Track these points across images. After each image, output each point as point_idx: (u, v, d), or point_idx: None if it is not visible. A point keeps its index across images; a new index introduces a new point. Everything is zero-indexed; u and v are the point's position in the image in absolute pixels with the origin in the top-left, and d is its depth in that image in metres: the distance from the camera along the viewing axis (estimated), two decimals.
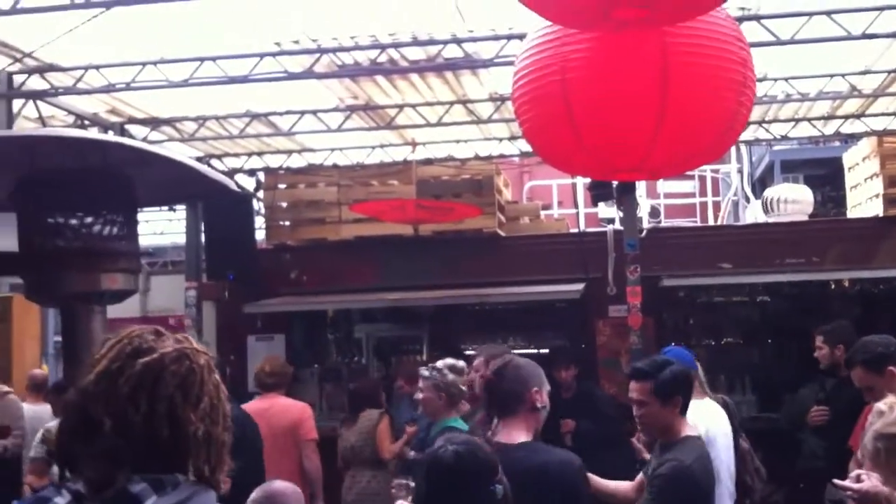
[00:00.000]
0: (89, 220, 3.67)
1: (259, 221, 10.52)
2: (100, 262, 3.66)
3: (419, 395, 4.75)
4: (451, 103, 8.54)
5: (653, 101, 3.53)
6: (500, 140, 9.91)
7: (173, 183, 4.17)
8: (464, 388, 4.69)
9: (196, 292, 9.72)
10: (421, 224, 8.77)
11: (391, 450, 6.58)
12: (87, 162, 3.58)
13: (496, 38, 6.94)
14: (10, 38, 6.62)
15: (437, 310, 10.41)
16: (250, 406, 5.99)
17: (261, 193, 10.38)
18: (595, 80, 3.57)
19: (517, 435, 3.31)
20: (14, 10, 5.62)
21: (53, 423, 6.44)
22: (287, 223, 10.20)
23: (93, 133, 4.79)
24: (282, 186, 10.24)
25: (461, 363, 4.85)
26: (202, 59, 7.01)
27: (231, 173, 10.39)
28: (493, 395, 3.50)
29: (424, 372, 4.73)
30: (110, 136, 3.97)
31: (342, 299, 9.83)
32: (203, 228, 9.75)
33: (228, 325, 10.00)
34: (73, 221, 3.65)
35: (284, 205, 10.24)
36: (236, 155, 10.06)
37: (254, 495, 3.56)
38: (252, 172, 10.45)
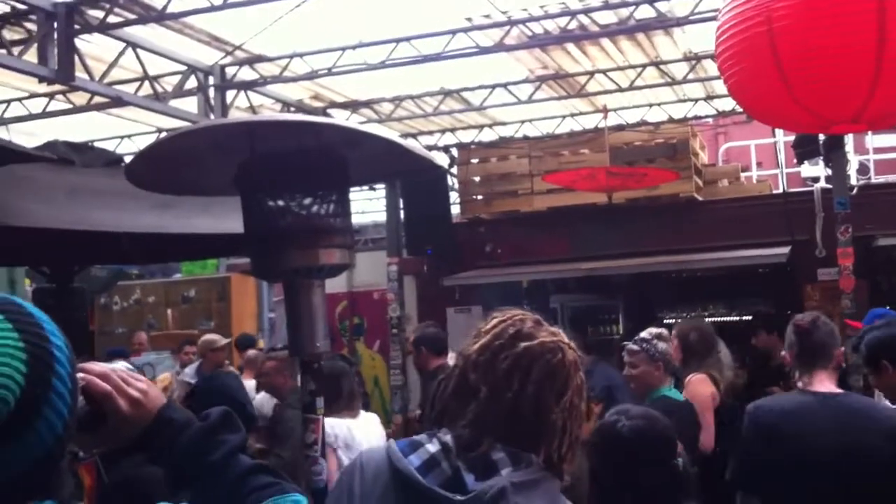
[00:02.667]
0: (307, 199, 3.85)
1: (454, 196, 10.73)
2: (318, 238, 3.82)
3: (632, 372, 4.63)
4: (644, 66, 8.34)
5: (869, 47, 3.31)
6: (696, 101, 9.59)
7: (380, 161, 4.32)
8: (672, 354, 4.60)
9: (397, 267, 10.09)
10: (614, 192, 8.66)
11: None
12: (303, 144, 3.77)
13: None
14: (221, 33, 7.06)
15: (633, 279, 10.27)
16: None
17: (455, 169, 10.59)
18: (804, 28, 3.38)
19: (831, 386, 3.34)
20: (225, 5, 5.99)
21: (260, 397, 6.90)
22: (480, 197, 10.37)
23: (306, 116, 5.05)
24: (474, 161, 10.41)
25: (664, 330, 4.74)
26: (397, 41, 7.21)
27: (426, 150, 10.65)
28: (805, 346, 3.48)
29: (633, 346, 4.60)
30: (323, 118, 4.17)
31: (536, 270, 9.89)
32: (402, 206, 10.08)
33: (428, 298, 10.33)
34: (293, 202, 3.84)
35: (478, 179, 10.41)
36: (430, 132, 10.29)
37: None
38: (446, 149, 10.66)
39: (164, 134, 9.41)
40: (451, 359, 6.87)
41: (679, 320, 9.35)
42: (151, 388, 1.56)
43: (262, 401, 7.17)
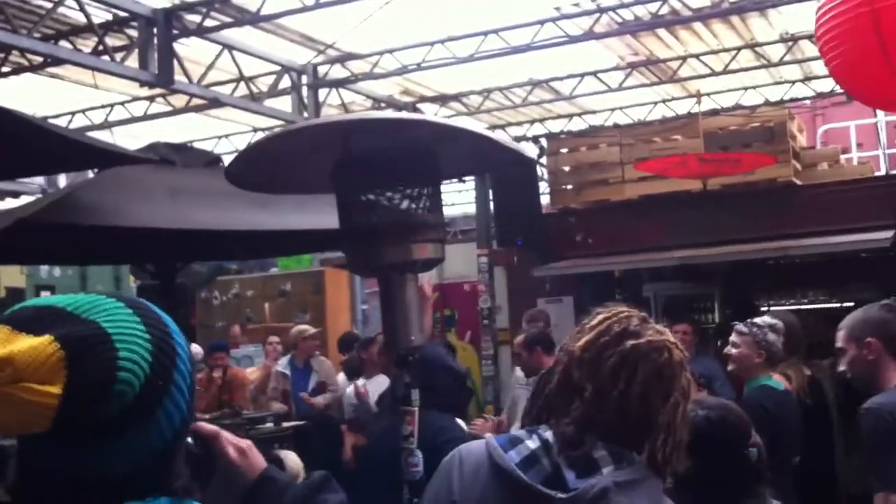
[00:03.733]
0: (400, 195, 3.89)
1: (543, 187, 10.69)
2: (411, 234, 3.86)
3: (732, 351, 4.55)
4: (738, 49, 8.15)
5: None
6: (793, 83, 9.32)
7: (471, 155, 4.34)
8: (780, 349, 4.47)
9: (488, 258, 10.10)
10: (709, 178, 8.48)
11: None
12: (396, 141, 3.82)
13: None
14: (313, 32, 7.19)
15: (730, 266, 10.03)
16: None
17: (544, 159, 10.53)
18: None
19: None
20: (317, 6, 6.10)
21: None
22: (570, 186, 10.29)
23: (399, 114, 5.12)
24: (564, 151, 10.32)
25: (781, 324, 4.60)
26: (486, 33, 7.21)
27: (514, 141, 10.63)
28: None
29: (742, 328, 4.48)
30: (415, 115, 4.23)
31: (629, 259, 9.76)
32: (491, 197, 10.09)
33: (519, 289, 10.31)
34: (386, 198, 3.89)
35: (567, 169, 10.33)
36: (518, 123, 10.27)
37: None
38: (535, 139, 10.62)
39: (260, 135, 9.66)
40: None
41: (776, 308, 9.13)
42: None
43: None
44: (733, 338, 4.52)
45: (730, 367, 4.59)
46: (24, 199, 11.03)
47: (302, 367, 8.38)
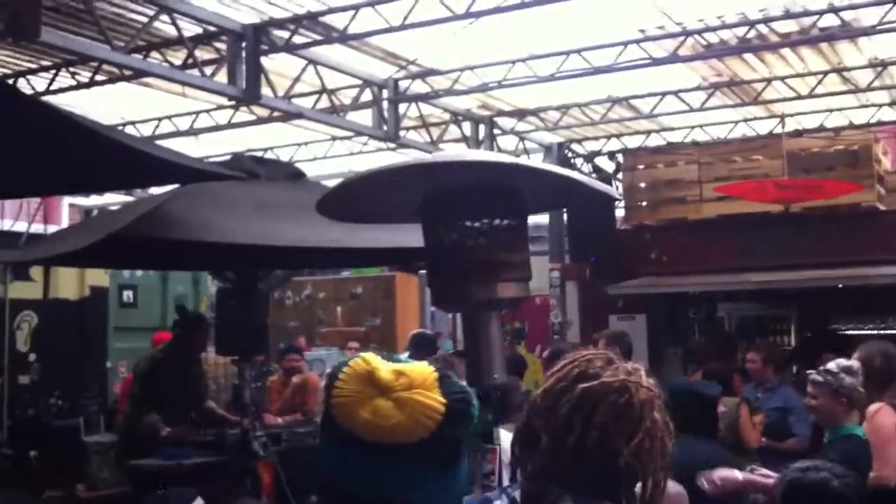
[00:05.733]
0: (487, 234, 3.92)
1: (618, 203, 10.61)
2: (497, 273, 3.90)
3: (811, 402, 4.49)
4: (825, 73, 7.98)
5: None
6: (880, 106, 9.08)
7: (555, 192, 4.36)
8: (861, 389, 4.40)
9: (560, 273, 10.08)
10: (788, 204, 8.32)
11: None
12: (483, 179, 3.85)
13: (878, 2, 6.36)
14: (396, 49, 7.26)
15: (808, 287, 9.84)
16: None
17: (620, 175, 10.46)
18: None
19: None
20: (403, 27, 6.16)
21: None
22: (645, 203, 10.20)
23: (490, 155, 5.14)
24: (641, 167, 10.24)
25: (856, 364, 4.53)
26: (567, 53, 7.20)
27: (590, 156, 10.59)
28: None
29: (817, 378, 4.42)
30: (506, 158, 4.23)
31: (704, 281, 9.63)
32: (565, 213, 10.06)
33: (591, 305, 10.26)
34: (474, 236, 3.92)
35: (643, 185, 10.24)
36: (595, 138, 10.21)
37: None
38: (611, 155, 10.55)
39: (338, 144, 9.79)
40: None
41: (855, 332, 8.93)
42: None
43: None
44: (810, 389, 4.45)
45: (812, 419, 4.53)
46: (108, 197, 11.37)
47: None
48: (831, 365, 4.46)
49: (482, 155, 4.58)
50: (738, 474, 4.17)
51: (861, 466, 3.63)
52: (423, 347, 8.10)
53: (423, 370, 1.43)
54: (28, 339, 8.99)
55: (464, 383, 1.48)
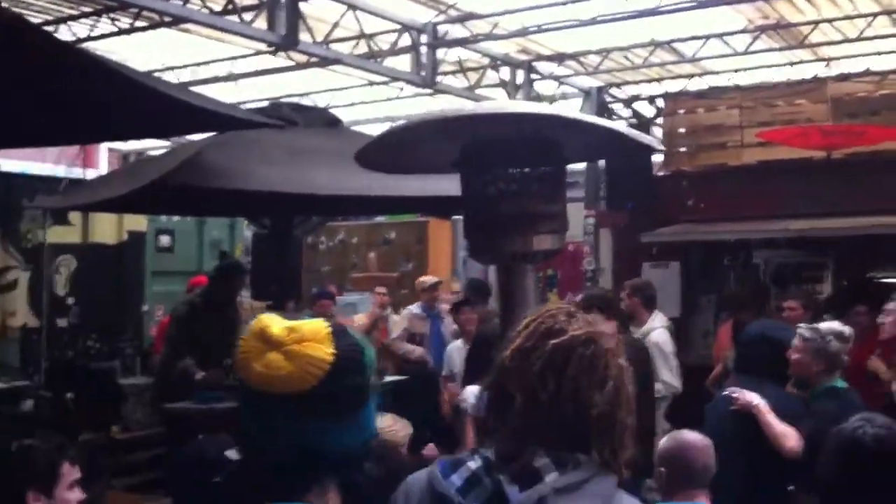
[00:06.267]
0: (525, 186, 3.90)
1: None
2: (534, 225, 3.89)
3: (793, 355, 4.26)
4: (875, 15, 7.73)
5: None
6: None
7: (597, 142, 4.31)
8: (846, 357, 4.31)
9: (595, 220, 10.00)
10: (832, 150, 8.14)
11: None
12: (522, 130, 3.81)
13: None
14: None
15: (847, 235, 9.68)
16: None
17: (660, 120, 10.29)
18: None
19: None
20: None
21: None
22: (685, 149, 10.04)
23: (533, 106, 5.08)
24: (681, 112, 10.05)
25: (848, 330, 4.40)
26: None
27: (630, 100, 10.42)
28: None
29: (805, 333, 4.27)
30: (549, 110, 4.18)
31: (742, 228, 9.49)
32: (603, 160, 9.93)
33: (624, 252, 10.18)
34: (511, 188, 3.90)
35: (683, 130, 10.06)
36: (636, 82, 10.03)
37: (664, 443, 3.53)
38: (651, 99, 10.37)
39: (375, 89, 9.73)
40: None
41: (892, 280, 8.80)
42: None
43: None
44: (796, 341, 4.31)
45: (789, 371, 4.40)
46: (146, 142, 11.44)
47: (432, 315, 8.58)
48: (823, 325, 4.35)
49: (524, 106, 4.54)
50: (767, 415, 4.17)
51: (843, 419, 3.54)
52: (479, 293, 8.11)
53: (315, 325, 1.52)
54: (67, 283, 9.13)
55: (360, 338, 1.57)
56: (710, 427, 3.99)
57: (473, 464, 1.60)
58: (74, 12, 7.55)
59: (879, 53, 9.00)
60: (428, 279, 8.97)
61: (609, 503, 1.58)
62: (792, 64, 9.41)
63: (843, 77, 9.23)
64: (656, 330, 6.62)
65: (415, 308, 8.67)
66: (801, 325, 4.52)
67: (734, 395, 4.28)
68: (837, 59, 8.91)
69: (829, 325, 4.41)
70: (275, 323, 1.52)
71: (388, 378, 7.52)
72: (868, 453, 2.60)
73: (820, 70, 9.35)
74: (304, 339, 1.49)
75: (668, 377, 6.54)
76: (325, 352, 1.49)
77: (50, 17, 7.58)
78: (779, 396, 4.28)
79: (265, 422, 1.51)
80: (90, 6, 7.42)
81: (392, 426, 4.22)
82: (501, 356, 1.67)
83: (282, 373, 1.47)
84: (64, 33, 7.59)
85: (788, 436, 4.07)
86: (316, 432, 1.50)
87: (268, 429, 1.51)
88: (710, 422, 4.29)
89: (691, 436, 3.50)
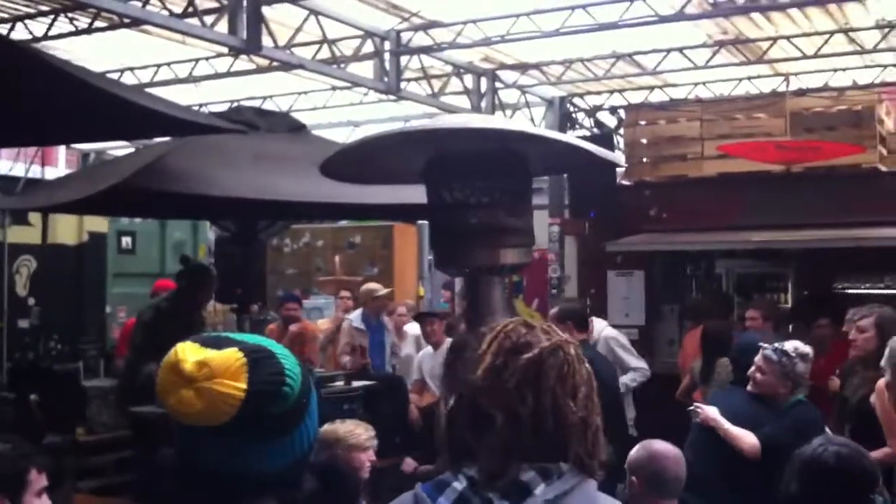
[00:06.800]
0: (490, 198, 3.91)
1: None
2: (500, 238, 3.89)
3: (757, 375, 4.41)
4: (831, 33, 7.90)
5: None
6: (885, 67, 9.01)
7: (562, 157, 4.34)
8: (807, 377, 4.45)
9: (559, 228, 10.07)
10: (789, 165, 8.29)
11: None
12: (488, 146, 3.83)
13: None
14: (400, 1, 7.16)
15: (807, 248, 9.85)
16: None
17: (621, 130, 10.39)
18: None
19: None
20: None
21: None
22: (647, 160, 10.14)
23: (498, 121, 5.09)
24: (642, 123, 10.15)
25: (809, 350, 4.49)
26: (573, 8, 7.10)
27: (593, 111, 10.51)
28: None
29: (771, 354, 4.38)
30: (508, 124, 4.21)
31: (703, 239, 9.62)
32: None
33: (589, 260, 10.26)
34: (477, 201, 3.91)
35: (645, 141, 10.17)
36: (598, 93, 10.12)
37: (636, 452, 3.56)
38: (613, 110, 10.47)
39: (338, 94, 9.70)
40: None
41: (852, 291, 8.98)
42: None
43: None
44: (759, 361, 4.42)
45: (750, 388, 4.49)
46: (106, 142, 11.28)
47: (375, 324, 8.39)
48: (787, 345, 4.44)
49: (490, 121, 4.55)
50: (724, 424, 4.34)
51: (810, 432, 3.62)
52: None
53: (228, 358, 1.49)
54: (27, 284, 9.02)
55: (286, 364, 1.53)
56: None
57: (459, 484, 1.60)
58: (32, 10, 7.44)
59: (835, 70, 9.18)
60: (377, 288, 8.64)
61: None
62: (751, 78, 9.58)
63: (801, 92, 9.40)
64: (604, 329, 6.81)
65: (355, 319, 8.35)
66: (765, 344, 4.58)
67: (698, 409, 4.52)
68: (796, 74, 9.07)
69: (794, 345, 4.49)
70: (189, 356, 1.50)
71: (356, 384, 7.46)
72: (829, 470, 2.65)
73: (778, 85, 9.51)
74: (215, 376, 1.46)
75: (635, 362, 6.79)
76: (236, 388, 1.46)
77: (6, 15, 7.46)
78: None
79: (193, 445, 1.53)
80: (47, 5, 7.31)
81: (353, 430, 4.25)
82: (473, 377, 1.66)
83: (194, 409, 1.46)
84: (21, 32, 7.47)
85: (744, 436, 4.27)
86: (243, 454, 1.51)
87: (196, 452, 1.53)
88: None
89: (663, 446, 3.54)
